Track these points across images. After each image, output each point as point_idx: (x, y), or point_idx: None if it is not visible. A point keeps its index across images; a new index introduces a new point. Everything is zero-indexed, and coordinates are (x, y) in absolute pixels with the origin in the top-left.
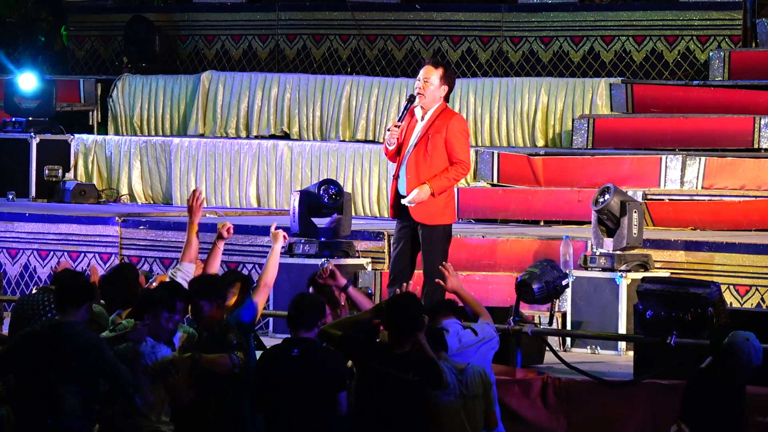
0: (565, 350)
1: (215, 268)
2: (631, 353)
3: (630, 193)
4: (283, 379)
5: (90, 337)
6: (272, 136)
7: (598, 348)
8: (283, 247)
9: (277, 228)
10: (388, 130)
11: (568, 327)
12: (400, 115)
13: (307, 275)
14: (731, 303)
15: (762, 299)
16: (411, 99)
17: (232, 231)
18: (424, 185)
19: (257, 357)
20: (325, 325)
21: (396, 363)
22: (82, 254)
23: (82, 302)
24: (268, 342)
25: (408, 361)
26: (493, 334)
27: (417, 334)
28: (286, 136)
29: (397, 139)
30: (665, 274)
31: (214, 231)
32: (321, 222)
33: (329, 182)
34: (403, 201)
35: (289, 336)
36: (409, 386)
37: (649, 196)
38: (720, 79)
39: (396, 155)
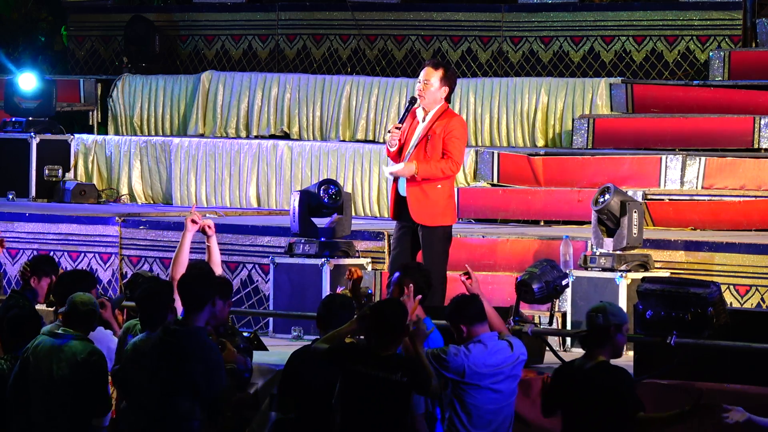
0: (565, 350)
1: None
2: (631, 353)
3: (630, 193)
4: (312, 380)
5: (209, 352)
6: (272, 136)
7: None
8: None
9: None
10: (389, 132)
11: (568, 327)
12: (401, 117)
13: (307, 275)
14: (731, 303)
15: (762, 299)
16: (412, 101)
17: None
18: (411, 162)
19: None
20: (315, 342)
21: (383, 365)
22: (82, 254)
23: (204, 304)
24: (268, 342)
25: (394, 362)
26: (523, 348)
27: (402, 339)
28: (286, 136)
29: (399, 140)
30: (665, 274)
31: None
32: (321, 222)
33: (329, 182)
34: (385, 169)
35: (318, 337)
36: (397, 387)
37: (649, 196)
38: (720, 79)
39: (398, 156)
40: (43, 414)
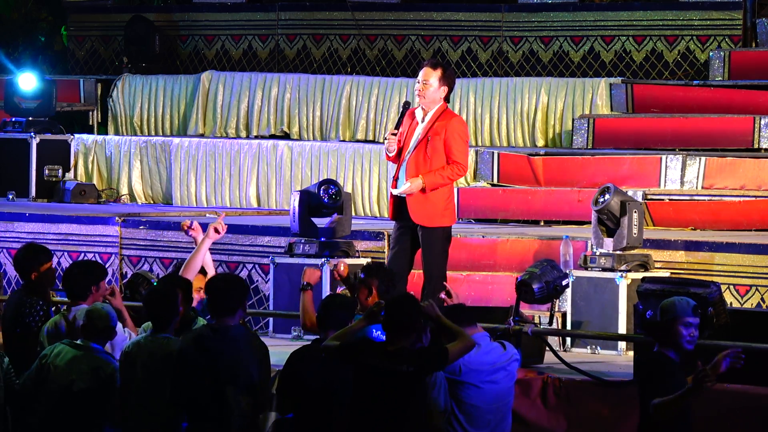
0: (565, 350)
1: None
2: (631, 353)
3: (630, 193)
4: (312, 381)
5: (257, 343)
6: (272, 136)
7: (598, 348)
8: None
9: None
10: (386, 138)
11: (568, 327)
12: (396, 122)
13: None
14: (731, 303)
15: (762, 299)
16: (405, 105)
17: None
18: (417, 178)
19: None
20: (326, 341)
21: (391, 358)
22: (82, 254)
23: (236, 310)
24: (268, 342)
25: (403, 354)
26: (515, 349)
27: (414, 335)
28: (286, 136)
29: (398, 142)
30: (665, 274)
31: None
32: (321, 222)
33: (329, 182)
34: (394, 191)
35: (318, 337)
36: (405, 378)
37: (649, 196)
38: (720, 79)
39: (397, 159)
40: (57, 422)
